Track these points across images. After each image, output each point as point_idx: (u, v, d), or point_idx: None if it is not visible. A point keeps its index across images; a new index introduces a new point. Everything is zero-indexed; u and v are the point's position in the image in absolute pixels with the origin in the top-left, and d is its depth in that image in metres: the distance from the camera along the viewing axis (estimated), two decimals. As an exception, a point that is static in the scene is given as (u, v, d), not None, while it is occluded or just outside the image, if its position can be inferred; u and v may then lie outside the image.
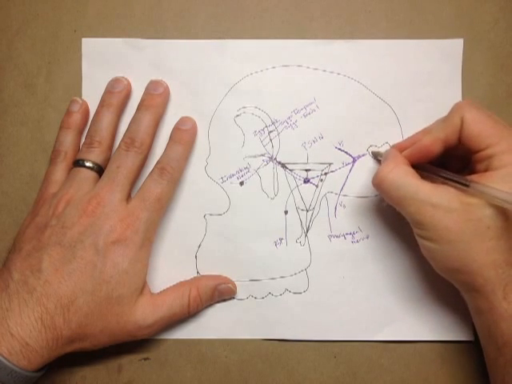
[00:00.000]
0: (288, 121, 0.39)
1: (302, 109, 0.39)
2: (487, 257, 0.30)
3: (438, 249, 0.32)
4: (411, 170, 0.33)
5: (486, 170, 0.32)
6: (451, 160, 0.36)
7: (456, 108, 0.33)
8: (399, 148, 0.35)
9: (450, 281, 0.34)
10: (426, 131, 0.35)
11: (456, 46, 0.39)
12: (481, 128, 0.32)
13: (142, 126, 0.36)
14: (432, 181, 0.33)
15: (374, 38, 0.39)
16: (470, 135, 0.32)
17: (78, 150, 0.38)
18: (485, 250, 0.30)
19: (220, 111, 0.39)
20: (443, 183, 0.32)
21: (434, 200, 0.31)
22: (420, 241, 0.33)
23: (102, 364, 0.38)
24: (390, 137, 0.38)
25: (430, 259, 0.33)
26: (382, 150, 0.38)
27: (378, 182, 0.34)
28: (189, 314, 0.37)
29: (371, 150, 0.39)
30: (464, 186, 0.31)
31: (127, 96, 0.39)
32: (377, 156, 0.38)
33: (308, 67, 0.39)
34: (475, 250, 0.30)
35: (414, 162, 0.34)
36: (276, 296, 0.38)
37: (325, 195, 0.39)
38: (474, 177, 0.32)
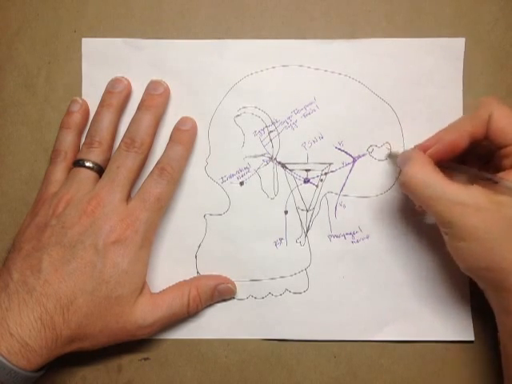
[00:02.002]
0: (288, 121, 0.39)
1: (302, 109, 0.39)
2: None
3: (467, 247, 0.31)
4: (438, 170, 0.33)
5: None
6: (471, 159, 0.36)
7: (483, 102, 0.33)
8: (422, 148, 0.35)
9: (477, 280, 0.33)
10: (450, 128, 0.35)
11: (457, 44, 0.38)
12: (508, 122, 0.32)
13: (142, 126, 0.36)
14: (457, 180, 0.32)
15: (375, 37, 0.39)
16: (498, 130, 0.32)
17: (78, 149, 0.38)
18: None
19: (220, 111, 0.39)
20: (469, 181, 0.32)
21: (464, 199, 0.31)
22: (448, 240, 0.33)
23: (101, 364, 0.38)
24: (390, 137, 0.38)
25: (457, 258, 0.33)
26: (400, 151, 0.37)
27: (405, 182, 0.33)
28: (188, 314, 0.37)
29: (388, 151, 0.38)
30: (493, 182, 0.31)
31: (127, 96, 0.39)
32: (393, 157, 0.38)
33: (308, 67, 0.39)
34: (506, 247, 0.30)
35: (439, 159, 0.34)
36: (276, 296, 0.38)
37: (325, 195, 0.39)
38: (501, 174, 0.32)
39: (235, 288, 0.38)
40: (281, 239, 0.38)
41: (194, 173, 0.39)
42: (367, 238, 0.38)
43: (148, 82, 0.38)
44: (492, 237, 0.30)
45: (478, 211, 0.30)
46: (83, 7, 0.40)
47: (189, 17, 0.39)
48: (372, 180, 0.38)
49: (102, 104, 0.38)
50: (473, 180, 0.32)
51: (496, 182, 0.31)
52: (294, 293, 0.38)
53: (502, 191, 0.30)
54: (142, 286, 0.35)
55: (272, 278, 0.38)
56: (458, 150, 0.33)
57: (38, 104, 0.39)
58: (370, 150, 0.38)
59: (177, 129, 0.38)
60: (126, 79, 0.38)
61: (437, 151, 0.34)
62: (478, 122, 0.33)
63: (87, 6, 0.40)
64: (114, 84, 0.38)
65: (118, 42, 0.39)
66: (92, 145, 0.37)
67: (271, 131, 0.39)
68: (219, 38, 0.39)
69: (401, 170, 0.34)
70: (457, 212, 0.31)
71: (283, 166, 0.39)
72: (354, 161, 0.39)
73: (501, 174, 0.32)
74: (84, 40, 0.39)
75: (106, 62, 0.39)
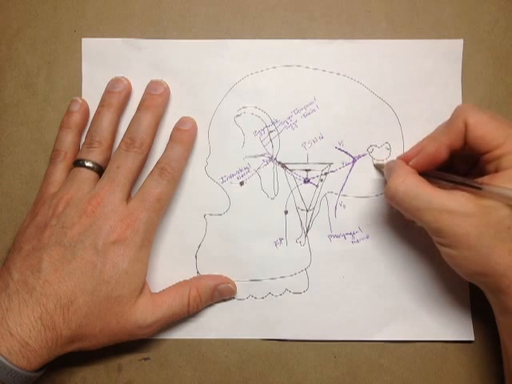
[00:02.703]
0: (288, 121, 0.39)
1: (302, 109, 0.39)
2: (510, 257, 0.30)
3: (460, 255, 0.31)
4: (422, 179, 0.33)
5: (496, 171, 0.32)
6: (457, 163, 0.36)
7: (458, 112, 0.33)
8: (405, 159, 0.35)
9: (476, 284, 0.33)
10: (429, 138, 0.35)
11: (456, 46, 0.39)
12: (486, 130, 0.32)
13: (142, 126, 0.36)
14: (442, 187, 0.32)
15: (374, 38, 0.39)
16: (476, 138, 0.32)
17: (78, 149, 0.38)
18: (507, 250, 0.30)
19: (220, 111, 0.39)
20: (454, 188, 0.32)
21: (450, 206, 0.31)
22: (441, 248, 0.33)
23: (102, 364, 0.38)
24: (389, 137, 0.38)
25: (452, 265, 0.33)
26: (384, 162, 0.38)
27: (390, 195, 0.33)
28: (188, 314, 0.37)
29: (374, 162, 0.38)
30: (476, 189, 0.31)
31: (127, 96, 0.39)
32: (380, 168, 0.38)
33: (308, 67, 0.39)
34: (498, 252, 0.30)
35: (422, 170, 0.34)
36: (276, 296, 0.38)
37: (325, 195, 0.39)
38: (484, 178, 0.31)
39: (235, 288, 0.38)
40: (281, 239, 0.38)
41: (194, 173, 0.39)
42: (367, 237, 0.38)
43: (148, 82, 0.38)
44: (484, 243, 0.30)
45: (467, 218, 0.30)
46: (83, 7, 0.40)
47: (189, 17, 0.39)
48: (372, 180, 0.38)
49: (102, 104, 0.38)
50: (457, 186, 0.32)
51: (479, 188, 0.30)
52: (294, 293, 0.38)
53: (486, 196, 0.30)
54: (142, 286, 0.35)
55: (272, 278, 0.38)
56: (439, 160, 0.33)
57: (37, 104, 0.39)
58: (369, 150, 0.39)
59: (177, 129, 0.38)
60: (125, 79, 0.38)
61: (418, 163, 0.34)
62: (454, 133, 0.32)
63: (87, 5, 0.40)
64: (114, 84, 0.38)
65: (117, 42, 0.39)
66: (92, 145, 0.37)
67: (271, 131, 0.39)
68: (219, 38, 0.39)
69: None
70: (446, 221, 0.31)
71: (283, 165, 0.39)
72: (354, 161, 0.39)
73: (485, 178, 0.31)
74: (84, 40, 0.39)
75: (106, 62, 0.39)
